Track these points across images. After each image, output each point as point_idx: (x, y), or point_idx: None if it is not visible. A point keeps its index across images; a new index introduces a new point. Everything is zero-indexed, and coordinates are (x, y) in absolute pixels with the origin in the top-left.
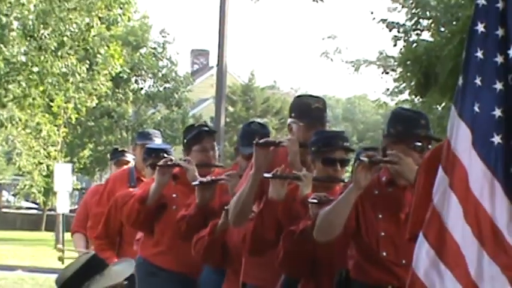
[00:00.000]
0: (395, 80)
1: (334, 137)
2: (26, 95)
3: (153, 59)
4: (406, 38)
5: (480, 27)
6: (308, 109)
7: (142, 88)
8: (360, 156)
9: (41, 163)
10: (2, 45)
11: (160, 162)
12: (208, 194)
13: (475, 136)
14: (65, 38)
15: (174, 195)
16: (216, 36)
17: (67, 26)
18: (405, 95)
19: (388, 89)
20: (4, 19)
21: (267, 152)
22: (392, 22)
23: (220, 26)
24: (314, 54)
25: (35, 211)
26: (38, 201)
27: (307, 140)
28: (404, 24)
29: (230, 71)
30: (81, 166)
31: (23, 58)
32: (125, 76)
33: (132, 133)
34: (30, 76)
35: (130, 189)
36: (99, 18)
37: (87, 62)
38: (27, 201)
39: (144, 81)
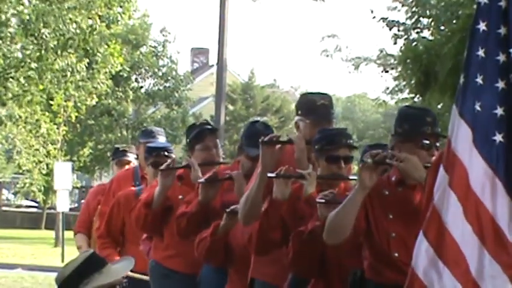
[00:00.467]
0: (395, 79)
1: (338, 134)
2: (25, 91)
3: (154, 57)
4: (406, 36)
5: (482, 26)
6: (314, 106)
7: (142, 87)
8: (364, 157)
9: (41, 161)
10: (0, 42)
11: (162, 167)
12: (211, 193)
13: (476, 135)
14: (67, 38)
15: (180, 197)
16: (216, 34)
17: (67, 26)
18: (405, 94)
19: (387, 88)
20: (3, 16)
21: (273, 150)
22: (393, 21)
23: (220, 25)
24: (314, 53)
25: (34, 209)
26: (37, 199)
27: (313, 137)
28: (404, 23)
29: (230, 69)
30: (81, 164)
31: (20, 54)
32: (125, 75)
33: (132, 132)
34: (29, 73)
35: (132, 188)
36: (99, 16)
37: (87, 60)
38: (27, 199)
39: (144, 79)
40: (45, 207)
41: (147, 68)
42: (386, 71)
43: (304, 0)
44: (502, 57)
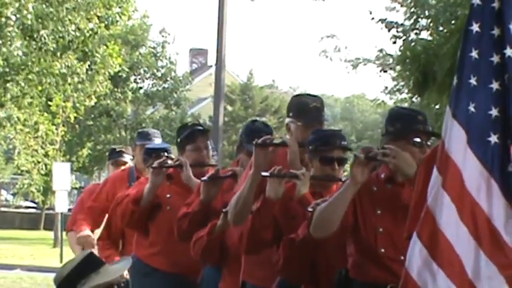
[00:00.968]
0: (393, 79)
1: (332, 135)
2: (24, 93)
3: (152, 58)
4: (404, 37)
5: (475, 27)
6: (306, 108)
7: (141, 87)
8: (356, 153)
9: (40, 162)
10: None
11: (155, 164)
12: (213, 191)
13: (471, 136)
14: (66, 41)
15: (168, 196)
16: (215, 35)
17: (66, 27)
18: (403, 94)
19: (386, 88)
20: (3, 19)
21: (266, 152)
22: (391, 22)
23: (218, 25)
24: (313, 54)
25: (33, 210)
26: (36, 200)
27: (305, 139)
28: (403, 24)
29: (229, 70)
30: (80, 165)
31: (22, 55)
32: (124, 75)
33: (131, 132)
34: (29, 76)
35: (130, 189)
36: (98, 17)
37: (87, 62)
38: (26, 200)
39: (143, 80)
40: (44, 207)
41: (146, 68)
42: (385, 71)
43: (303, 0)
44: (495, 58)
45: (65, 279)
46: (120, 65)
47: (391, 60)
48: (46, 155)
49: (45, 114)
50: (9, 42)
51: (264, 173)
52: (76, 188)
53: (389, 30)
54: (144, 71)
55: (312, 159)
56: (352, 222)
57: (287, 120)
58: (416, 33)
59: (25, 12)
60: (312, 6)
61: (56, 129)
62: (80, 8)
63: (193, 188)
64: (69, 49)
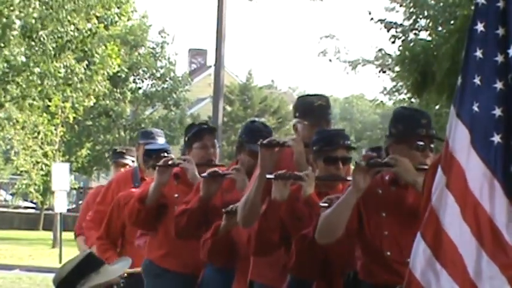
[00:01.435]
0: (392, 79)
1: (335, 135)
2: (24, 96)
3: (152, 58)
4: (404, 38)
5: (480, 27)
6: (311, 107)
7: (140, 88)
8: (357, 160)
9: (39, 162)
10: (1, 45)
11: (160, 162)
12: (213, 188)
13: (474, 136)
14: (65, 41)
15: (175, 195)
16: (214, 35)
17: (65, 28)
18: (402, 94)
19: (385, 88)
20: (4, 19)
21: (272, 153)
22: (390, 22)
23: (217, 25)
24: (312, 54)
25: (32, 210)
26: (35, 200)
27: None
28: (402, 24)
29: (228, 70)
30: (79, 165)
31: (23, 58)
32: (123, 75)
33: (130, 132)
34: (30, 77)
35: (132, 190)
36: (97, 17)
37: (86, 62)
38: (25, 200)
39: (142, 80)
40: (43, 208)
41: (145, 69)
42: (384, 72)
43: (302, 0)
44: (500, 58)
45: (64, 279)
46: (119, 66)
47: (390, 61)
48: (45, 155)
49: (44, 114)
50: (11, 46)
51: (268, 176)
52: (75, 189)
53: (388, 31)
54: (143, 71)
55: (316, 160)
56: (356, 227)
57: (294, 120)
58: (415, 34)
59: (30, 10)
60: (311, 6)
61: (55, 129)
62: (80, 9)
63: None
64: (67, 49)
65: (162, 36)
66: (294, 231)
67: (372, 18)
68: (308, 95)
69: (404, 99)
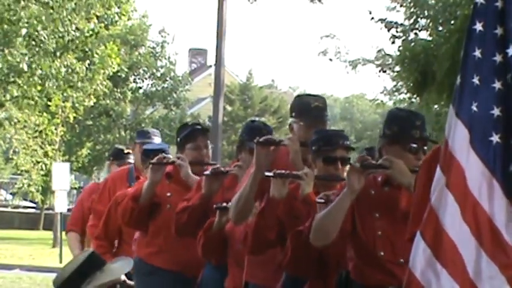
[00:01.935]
0: (393, 79)
1: (335, 135)
2: (25, 97)
3: (152, 58)
4: (404, 37)
5: (478, 26)
6: (308, 108)
7: (140, 87)
8: (353, 162)
9: (39, 162)
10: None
11: (154, 160)
12: (215, 186)
13: (473, 135)
14: (66, 41)
15: (168, 194)
16: (214, 35)
17: (66, 27)
18: (403, 94)
19: (385, 88)
20: (9, 26)
21: (267, 151)
22: (391, 21)
23: (218, 25)
24: (312, 53)
25: (33, 210)
26: (36, 200)
27: (308, 139)
28: (402, 24)
29: (228, 69)
30: (79, 165)
31: (26, 67)
32: (123, 75)
33: (130, 132)
34: (31, 79)
35: (129, 189)
36: (97, 17)
37: (87, 62)
38: (25, 200)
39: (143, 80)
40: (43, 207)
41: (145, 68)
42: (384, 72)
43: (302, 0)
44: (498, 58)
45: (68, 279)
46: (118, 65)
47: (390, 61)
48: (45, 155)
49: (45, 114)
50: (15, 52)
51: (267, 173)
52: (75, 188)
53: (388, 30)
54: (144, 71)
55: (315, 160)
56: (350, 228)
57: (290, 120)
58: (415, 33)
59: (35, 22)
60: (311, 6)
61: (56, 129)
62: (80, 8)
63: (192, 186)
64: (68, 49)
65: (162, 36)
66: (291, 230)
67: (372, 18)
68: (305, 95)
69: (404, 99)
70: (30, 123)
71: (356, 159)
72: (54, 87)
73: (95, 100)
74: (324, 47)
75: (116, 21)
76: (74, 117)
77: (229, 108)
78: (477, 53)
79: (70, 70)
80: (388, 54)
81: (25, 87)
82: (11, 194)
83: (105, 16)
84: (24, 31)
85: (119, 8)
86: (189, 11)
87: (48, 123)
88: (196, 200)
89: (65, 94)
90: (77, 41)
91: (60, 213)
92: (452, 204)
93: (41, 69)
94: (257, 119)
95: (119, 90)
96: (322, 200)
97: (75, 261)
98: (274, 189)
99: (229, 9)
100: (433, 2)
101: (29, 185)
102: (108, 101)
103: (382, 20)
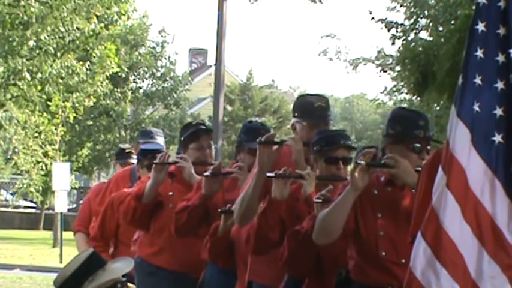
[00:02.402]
0: (393, 79)
1: (336, 135)
2: (26, 99)
3: (152, 58)
4: (404, 37)
5: (481, 26)
6: (311, 108)
7: (140, 87)
8: (357, 159)
9: (39, 162)
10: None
11: (157, 160)
12: (216, 186)
13: (475, 135)
14: (67, 41)
15: (170, 194)
16: (214, 35)
17: (66, 27)
18: (403, 94)
19: (386, 88)
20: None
21: (270, 151)
22: (391, 21)
23: (218, 25)
24: (312, 53)
25: (33, 210)
26: (36, 200)
27: (310, 139)
28: (403, 24)
29: (228, 69)
30: (80, 165)
31: (28, 74)
32: (124, 75)
33: (130, 132)
34: (31, 82)
35: (125, 190)
36: (97, 17)
37: (88, 62)
38: (25, 200)
39: (143, 80)
40: (43, 207)
41: (145, 68)
42: (385, 71)
43: (302, 1)
44: (501, 58)
45: (69, 278)
46: (118, 66)
47: (390, 60)
48: (45, 155)
49: (45, 114)
50: (18, 58)
51: (269, 174)
52: (75, 188)
53: (389, 30)
54: (144, 71)
55: (317, 160)
56: (353, 227)
57: (292, 120)
58: (416, 33)
59: (39, 30)
60: (312, 6)
61: (56, 129)
62: (80, 8)
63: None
64: (69, 49)
65: (162, 36)
66: None
67: (372, 18)
68: (308, 95)
69: (405, 99)
70: (30, 123)
71: (360, 155)
72: (54, 87)
73: (95, 100)
74: (324, 47)
75: (116, 21)
76: (74, 117)
77: (229, 108)
78: (479, 53)
79: (71, 71)
80: (388, 55)
81: (25, 88)
82: (11, 194)
83: (105, 16)
84: (31, 43)
85: (119, 8)
86: (189, 11)
87: (48, 123)
88: (196, 200)
89: (65, 94)
90: (77, 42)
91: (61, 213)
92: (453, 204)
93: (41, 72)
94: (255, 119)
95: (119, 90)
96: (320, 200)
97: (76, 261)
98: (276, 189)
99: (229, 9)
100: (433, 2)
101: (29, 185)
102: (108, 101)
103: (382, 20)
